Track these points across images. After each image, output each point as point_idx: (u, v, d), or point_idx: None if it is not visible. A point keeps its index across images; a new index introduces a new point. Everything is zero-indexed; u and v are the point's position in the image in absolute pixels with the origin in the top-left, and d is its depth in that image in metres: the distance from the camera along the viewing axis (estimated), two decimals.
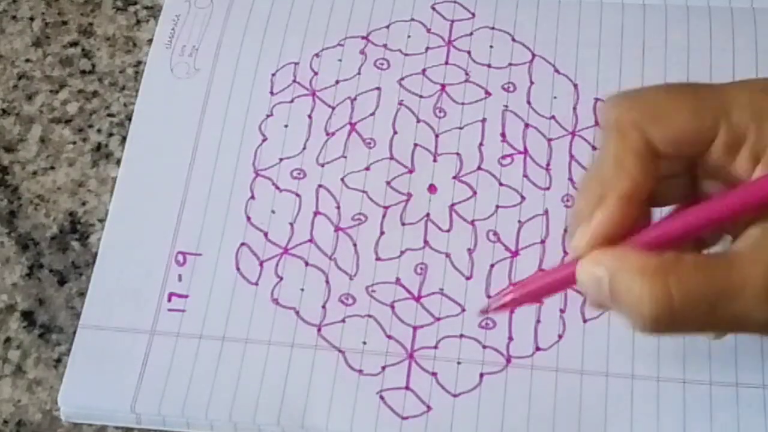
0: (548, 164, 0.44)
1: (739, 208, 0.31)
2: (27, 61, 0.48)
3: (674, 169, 0.33)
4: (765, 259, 0.30)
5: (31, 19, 0.49)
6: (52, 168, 0.45)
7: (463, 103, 0.45)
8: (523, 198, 0.43)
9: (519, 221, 0.42)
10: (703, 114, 0.32)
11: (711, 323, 0.32)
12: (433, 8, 0.47)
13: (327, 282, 0.41)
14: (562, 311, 0.40)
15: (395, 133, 0.44)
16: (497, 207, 0.43)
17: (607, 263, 0.32)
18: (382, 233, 0.42)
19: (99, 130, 0.46)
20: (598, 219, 0.32)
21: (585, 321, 0.40)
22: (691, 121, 0.32)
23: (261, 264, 0.42)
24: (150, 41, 0.47)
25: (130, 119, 0.46)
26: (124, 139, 0.45)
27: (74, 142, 0.46)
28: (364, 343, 0.40)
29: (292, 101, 0.45)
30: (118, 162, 0.45)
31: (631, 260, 0.31)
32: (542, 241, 0.42)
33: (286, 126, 0.45)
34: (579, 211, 0.33)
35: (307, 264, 0.42)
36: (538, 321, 0.40)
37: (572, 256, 0.33)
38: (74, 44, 0.48)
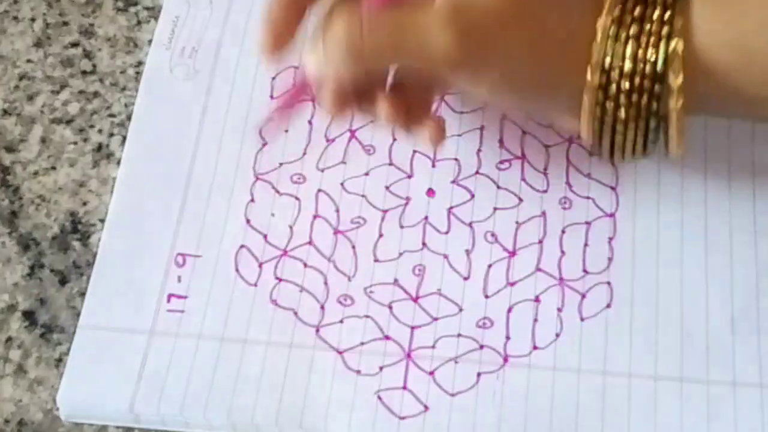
0: (546, 168, 0.44)
1: None
2: (28, 61, 0.48)
3: None
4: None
5: (33, 19, 0.49)
6: (53, 168, 0.45)
7: (461, 113, 0.45)
8: (520, 200, 0.43)
9: (517, 222, 0.43)
10: None
11: (398, 47, 0.36)
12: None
13: (326, 283, 0.42)
14: (559, 310, 0.41)
15: (394, 140, 0.45)
16: (495, 209, 0.43)
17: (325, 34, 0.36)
18: (380, 236, 0.43)
19: (100, 131, 0.46)
20: (270, 18, 0.37)
21: (582, 320, 0.41)
22: None
23: (260, 265, 0.42)
24: (151, 42, 0.48)
25: (131, 119, 0.46)
26: (125, 139, 0.45)
27: (75, 143, 0.46)
28: (362, 343, 0.40)
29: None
30: (119, 162, 0.45)
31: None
32: (540, 241, 0.42)
33: (286, 131, 0.45)
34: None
35: (305, 265, 0.42)
36: (536, 320, 0.41)
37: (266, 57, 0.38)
38: (75, 45, 0.48)
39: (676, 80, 0.35)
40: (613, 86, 0.35)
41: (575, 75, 0.35)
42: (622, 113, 0.35)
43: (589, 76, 0.35)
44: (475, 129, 0.45)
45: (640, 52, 0.35)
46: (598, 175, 0.44)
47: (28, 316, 0.42)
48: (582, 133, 0.37)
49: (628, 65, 0.35)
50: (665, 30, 0.35)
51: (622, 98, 0.35)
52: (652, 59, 0.35)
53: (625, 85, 0.35)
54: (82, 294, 0.42)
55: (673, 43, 0.34)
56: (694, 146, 0.44)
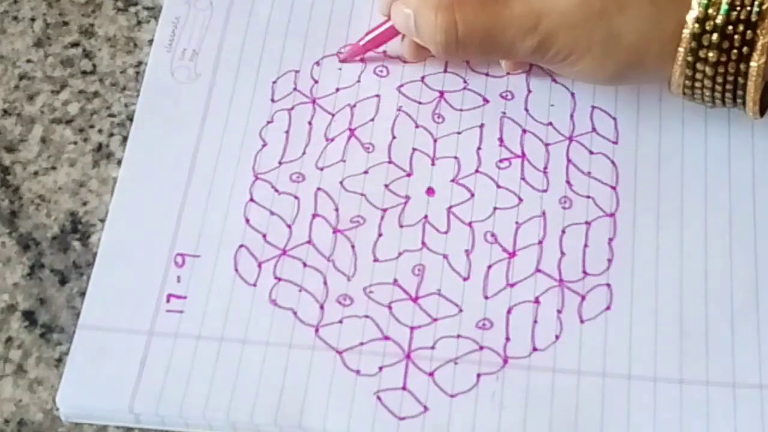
0: (546, 167, 0.44)
1: None
2: (28, 61, 0.48)
3: None
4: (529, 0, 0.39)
5: (33, 19, 0.49)
6: (53, 168, 0.45)
7: (461, 110, 0.45)
8: (520, 200, 0.43)
9: (516, 222, 0.43)
10: None
11: (489, 49, 0.41)
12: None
13: (325, 283, 0.41)
14: (559, 312, 0.41)
15: (394, 138, 0.45)
16: (495, 209, 0.43)
17: (411, 3, 0.42)
18: (380, 235, 0.43)
19: (100, 131, 0.46)
20: None
21: (582, 321, 0.41)
22: None
23: (259, 265, 0.42)
24: (151, 42, 0.48)
25: (131, 119, 0.46)
26: (125, 139, 0.45)
27: (75, 143, 0.46)
28: (362, 343, 0.40)
29: (292, 108, 0.46)
30: (119, 162, 0.45)
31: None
32: (540, 242, 0.42)
33: (286, 132, 0.45)
34: None
35: (305, 265, 0.42)
36: (536, 321, 0.41)
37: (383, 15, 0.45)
38: (75, 45, 0.48)
39: (763, 38, 0.37)
40: (706, 36, 0.38)
41: (666, 47, 0.39)
42: (710, 67, 0.38)
43: (687, 28, 0.38)
44: (474, 126, 0.45)
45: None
46: (599, 174, 0.44)
47: (28, 316, 0.42)
48: (672, 85, 0.40)
49: (722, 14, 0.37)
50: None
51: (712, 53, 0.38)
52: (748, 8, 0.37)
53: (717, 36, 0.38)
54: (82, 294, 0.42)
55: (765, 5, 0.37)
56: (695, 144, 0.44)
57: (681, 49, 0.38)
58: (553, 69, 0.43)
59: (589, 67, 0.40)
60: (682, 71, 0.39)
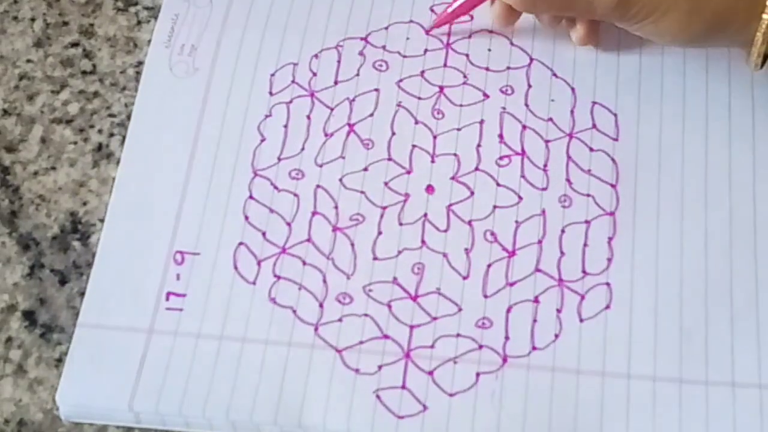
0: (545, 165, 0.44)
1: None
2: (28, 61, 0.48)
3: None
4: None
5: (32, 19, 0.49)
6: (53, 168, 0.45)
7: (461, 105, 0.45)
8: (520, 198, 0.43)
9: (516, 221, 0.43)
10: None
11: (567, 5, 0.41)
12: (432, 10, 0.48)
13: (324, 281, 0.41)
14: (558, 311, 0.41)
15: (393, 134, 0.45)
16: (495, 207, 0.43)
17: None
18: (379, 233, 0.43)
19: (100, 131, 0.46)
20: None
21: (581, 321, 0.40)
22: None
23: (259, 263, 0.42)
24: (151, 42, 0.48)
25: (131, 119, 0.46)
26: (125, 139, 0.45)
27: (75, 143, 0.46)
28: (361, 342, 0.40)
29: (290, 102, 0.46)
30: (119, 162, 0.45)
31: None
32: (539, 241, 0.42)
33: (285, 126, 0.45)
34: None
35: (304, 263, 0.42)
36: (535, 320, 0.40)
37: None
38: (75, 45, 0.48)
39: None
40: None
41: (744, 12, 0.38)
42: None
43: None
44: (474, 123, 0.45)
45: None
46: (599, 172, 0.44)
47: (28, 316, 0.42)
48: (752, 56, 0.39)
49: None
50: None
51: None
52: None
53: None
54: (82, 294, 0.42)
55: None
56: (696, 142, 0.44)
57: (765, 16, 0.37)
58: (632, 29, 0.41)
59: (672, 26, 0.39)
60: (765, 39, 0.38)
